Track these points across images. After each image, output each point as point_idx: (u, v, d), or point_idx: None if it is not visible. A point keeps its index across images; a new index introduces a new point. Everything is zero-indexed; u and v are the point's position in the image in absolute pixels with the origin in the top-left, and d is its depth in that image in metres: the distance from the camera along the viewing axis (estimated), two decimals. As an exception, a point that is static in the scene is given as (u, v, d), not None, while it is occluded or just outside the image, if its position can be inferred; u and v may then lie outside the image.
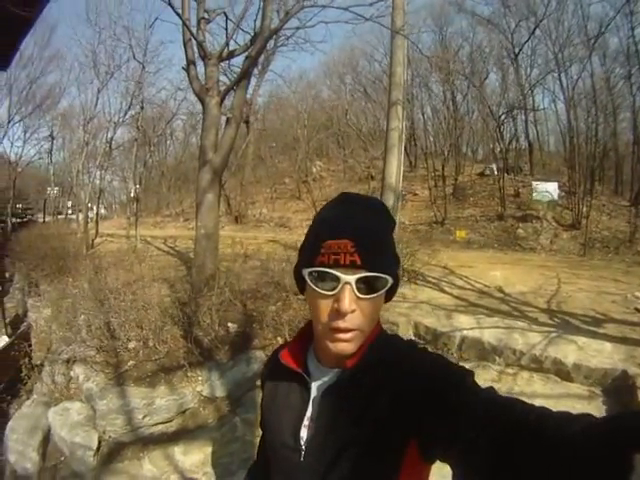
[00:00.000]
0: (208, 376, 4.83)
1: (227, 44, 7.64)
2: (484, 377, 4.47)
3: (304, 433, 0.79)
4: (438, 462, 0.68)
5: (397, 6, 8.19)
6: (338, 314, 0.71)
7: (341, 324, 0.71)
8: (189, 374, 4.83)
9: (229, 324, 5.59)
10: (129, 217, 16.07)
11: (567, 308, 5.99)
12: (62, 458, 4.24)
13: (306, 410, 0.81)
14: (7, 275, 11.76)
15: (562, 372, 4.45)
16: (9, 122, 19.67)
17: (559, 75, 19.61)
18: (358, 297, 0.71)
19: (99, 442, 4.15)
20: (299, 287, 0.84)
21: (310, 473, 0.76)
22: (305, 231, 0.86)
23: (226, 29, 7.84)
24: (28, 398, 5.22)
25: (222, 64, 7.88)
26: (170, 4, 6.55)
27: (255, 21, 7.84)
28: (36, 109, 21.16)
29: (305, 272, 0.75)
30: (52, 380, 5.22)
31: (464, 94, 22.02)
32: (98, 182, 18.29)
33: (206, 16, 7.45)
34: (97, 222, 17.68)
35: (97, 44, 16.32)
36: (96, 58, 16.43)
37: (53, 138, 23.50)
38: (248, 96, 19.63)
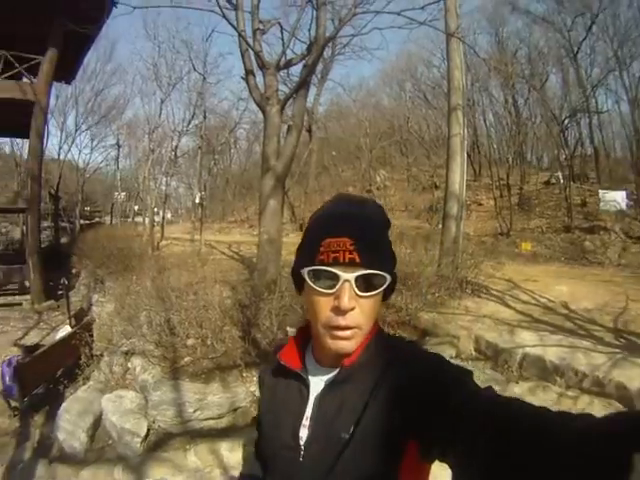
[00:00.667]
0: (264, 378, 5.12)
1: (284, 53, 8.34)
2: (542, 398, 4.42)
3: (303, 433, 0.84)
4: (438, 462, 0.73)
5: (449, 9, 8.54)
6: (338, 312, 0.77)
7: (341, 322, 0.77)
8: (244, 374, 5.14)
9: (288, 328, 5.83)
10: (193, 222, 17.57)
11: (635, 328, 5.90)
12: (110, 442, 4.68)
13: (305, 410, 0.85)
14: (74, 271, 13.30)
15: (625, 398, 4.28)
16: (76, 131, 23.07)
17: (620, 74, 19.22)
18: (357, 295, 0.76)
19: (148, 430, 4.52)
20: (297, 287, 0.90)
21: (309, 473, 0.81)
22: None
23: (282, 39, 8.66)
24: (84, 384, 5.83)
25: (281, 73, 8.61)
26: (225, 17, 7.31)
27: (309, 30, 8.56)
28: (102, 119, 24.42)
29: (304, 271, 0.80)
30: (110, 370, 5.81)
31: (525, 98, 22.11)
32: (164, 188, 20.39)
33: (261, 27, 8.17)
34: (163, 225, 19.50)
35: (157, 57, 18.82)
36: (157, 71, 18.85)
37: (119, 146, 26.63)
38: (309, 105, 20.71)
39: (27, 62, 10.51)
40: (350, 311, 0.76)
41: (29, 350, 6.56)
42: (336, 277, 0.76)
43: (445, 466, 0.67)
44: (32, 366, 5.73)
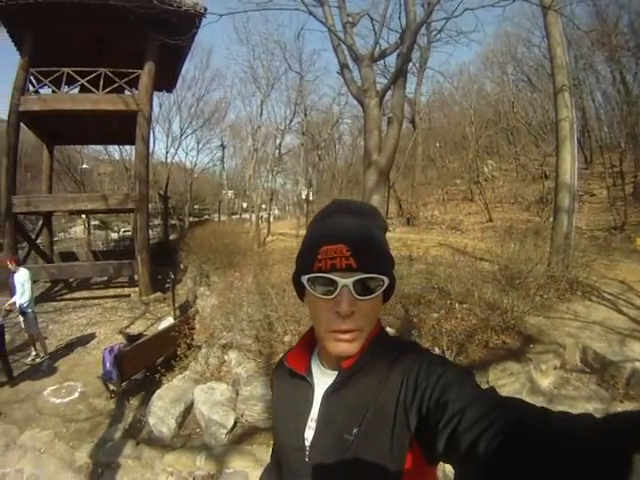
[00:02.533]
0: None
1: (376, 44, 8.51)
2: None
3: (309, 434, 0.93)
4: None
5: (542, -20, 8.02)
6: (338, 316, 0.84)
7: (342, 326, 0.85)
8: None
9: (388, 328, 5.93)
10: (298, 217, 18.54)
11: None
12: (197, 430, 5.11)
13: (310, 411, 0.95)
14: (181, 266, 14.63)
15: None
16: (181, 135, 25.82)
17: None
18: (356, 299, 0.84)
19: (235, 423, 4.86)
20: (299, 294, 0.99)
21: (315, 473, 0.90)
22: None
23: (374, 29, 8.80)
24: (180, 374, 6.40)
25: (380, 65, 8.79)
26: (312, 13, 7.71)
27: (399, 18, 8.71)
28: (205, 123, 27.22)
29: (304, 279, 0.89)
30: (206, 361, 6.35)
31: (633, 73, 21.21)
32: (270, 185, 21.99)
33: (350, 20, 8.46)
34: (269, 222, 21.04)
35: (253, 60, 21.16)
36: (254, 73, 21.02)
37: (224, 147, 29.68)
38: (410, 95, 21.18)
39: (127, 76, 12.36)
40: (350, 315, 0.84)
41: (131, 339, 7.30)
42: (334, 283, 0.84)
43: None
44: (132, 354, 6.38)
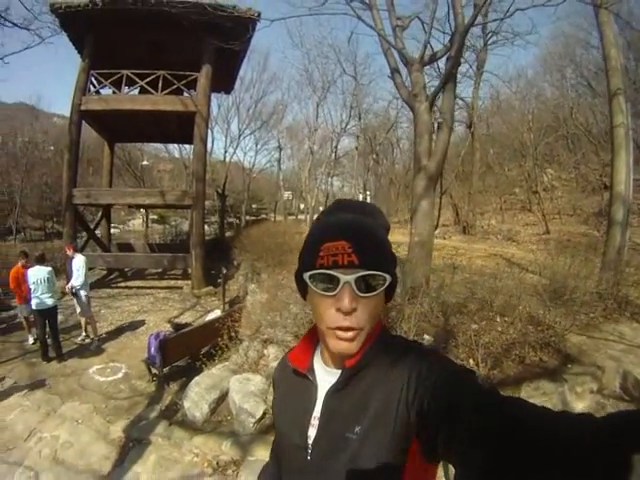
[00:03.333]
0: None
1: (425, 47, 8.46)
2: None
3: (311, 432, 0.95)
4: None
5: (594, -25, 7.68)
6: (340, 313, 0.85)
7: (343, 323, 0.86)
8: None
9: (425, 336, 6.05)
10: None
11: None
12: (228, 417, 5.28)
13: (313, 409, 0.96)
14: (235, 263, 15.04)
15: None
16: (240, 136, 26.81)
17: None
18: (358, 296, 0.85)
19: (263, 413, 4.96)
20: (301, 292, 1.00)
21: (316, 471, 0.92)
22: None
23: (425, 32, 8.80)
24: (220, 363, 6.61)
25: (434, 69, 8.76)
26: (360, 18, 7.78)
27: (448, 21, 8.60)
28: (263, 124, 27.97)
29: (306, 275, 0.90)
30: (245, 354, 6.52)
31: None
32: (326, 187, 22.33)
33: (399, 23, 8.45)
34: None
35: (308, 63, 21.15)
36: (310, 76, 21.89)
37: (280, 149, 30.18)
38: (468, 100, 20.98)
39: (185, 79, 13.01)
40: (352, 312, 0.85)
41: (177, 327, 7.58)
42: (336, 279, 0.85)
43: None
44: (176, 341, 6.64)
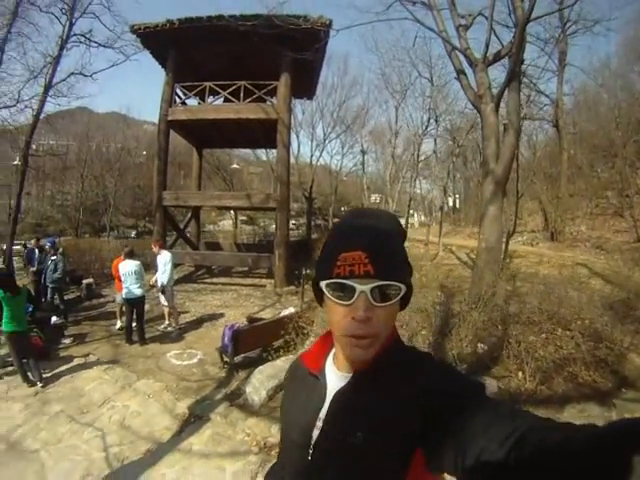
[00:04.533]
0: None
1: (487, 46, 8.16)
2: None
3: (315, 433, 0.97)
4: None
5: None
6: (355, 322, 0.88)
7: (358, 331, 0.88)
8: None
9: (480, 344, 6.03)
10: (428, 225, 18.30)
11: None
12: None
13: (320, 411, 0.99)
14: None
15: None
16: (325, 140, 27.26)
17: None
18: (373, 305, 0.88)
19: None
20: (317, 299, 1.02)
21: (316, 473, 0.95)
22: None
23: (492, 29, 8.33)
24: (285, 355, 6.94)
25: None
26: (419, 21, 7.77)
27: (510, 15, 8.20)
28: (348, 128, 28.34)
29: (323, 284, 0.94)
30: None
31: None
32: (412, 191, 22.21)
33: (462, 22, 8.22)
34: (406, 227, 20.97)
35: (384, 67, 21.06)
36: (387, 79, 22.00)
37: (364, 153, 30.59)
38: (553, 96, 19.84)
39: (265, 87, 13.66)
40: (367, 321, 0.88)
41: (252, 321, 8.01)
42: (352, 289, 0.88)
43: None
44: (249, 333, 7.07)
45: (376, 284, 0.87)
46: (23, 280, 9.95)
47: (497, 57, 8.49)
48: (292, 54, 10.76)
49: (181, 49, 13.60)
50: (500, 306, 6.65)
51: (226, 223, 37.10)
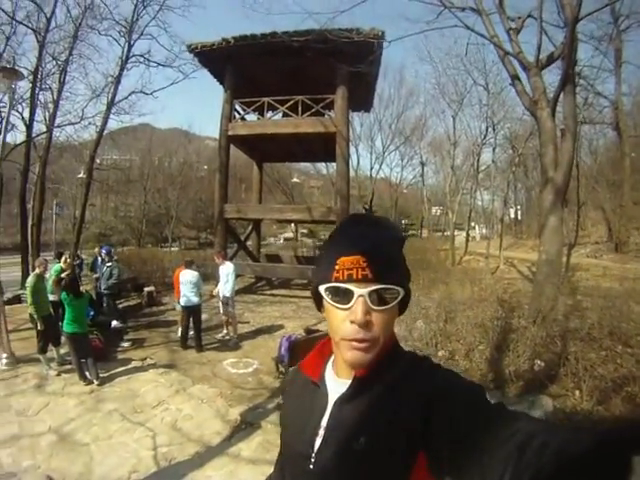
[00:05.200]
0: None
1: (539, 48, 7.87)
2: None
3: (317, 442, 0.96)
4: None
5: None
6: (354, 326, 0.88)
7: (357, 335, 0.88)
8: None
9: (537, 360, 5.81)
10: (487, 238, 17.69)
11: None
12: None
13: (321, 419, 0.98)
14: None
15: None
16: (384, 152, 27.43)
17: None
18: (372, 309, 0.88)
19: None
20: (317, 304, 1.03)
21: None
22: None
23: (543, 32, 8.18)
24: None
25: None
26: (469, 28, 7.62)
27: (559, 13, 7.88)
28: (407, 140, 28.36)
29: (321, 288, 0.95)
30: None
31: None
32: (471, 202, 21.83)
33: (513, 25, 7.93)
34: (467, 240, 21.09)
35: (439, 76, 21.66)
36: (443, 89, 21.56)
37: (423, 164, 30.45)
38: (611, 97, 18.66)
39: (323, 101, 13.82)
40: (365, 325, 0.88)
41: (309, 332, 7.95)
42: (351, 293, 0.89)
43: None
44: (305, 344, 7.01)
45: (374, 288, 0.88)
46: (87, 286, 10.35)
47: (550, 59, 8.19)
48: (347, 67, 10.83)
49: (238, 66, 14.04)
50: (559, 321, 6.39)
51: (287, 236, 37.73)
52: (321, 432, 0.96)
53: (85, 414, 5.40)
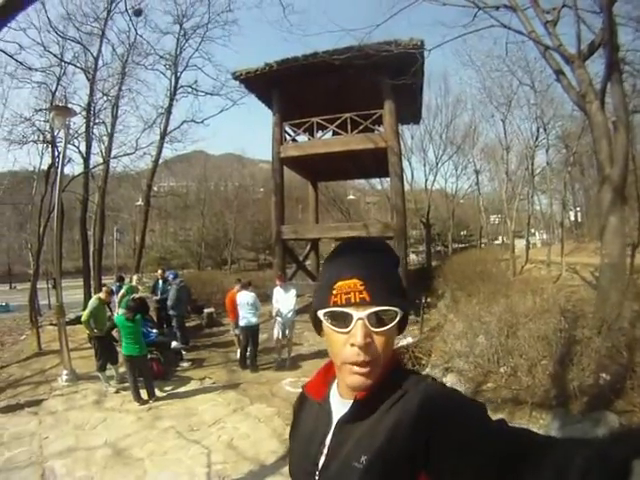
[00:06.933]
0: (549, 423, 4.97)
1: (579, 38, 7.63)
2: None
3: (321, 460, 0.99)
4: None
5: None
6: (354, 349, 0.90)
7: (357, 358, 0.90)
8: (533, 413, 5.15)
9: (602, 374, 5.53)
10: (549, 244, 16.78)
11: None
12: None
13: (326, 438, 1.00)
14: (440, 292, 15.10)
15: None
16: (437, 163, 26.85)
17: None
18: (371, 331, 0.90)
19: None
20: (316, 329, 1.04)
21: None
22: None
23: (579, 21, 7.90)
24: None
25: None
26: (505, 26, 7.58)
27: None
28: (459, 148, 27.78)
29: (320, 313, 0.96)
30: None
31: None
32: (529, 207, 21.45)
33: (549, 17, 7.62)
34: (527, 248, 20.34)
35: (483, 80, 20.48)
36: (488, 92, 20.59)
37: (477, 172, 29.62)
38: None
39: (371, 117, 13.84)
40: (365, 347, 0.90)
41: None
42: (349, 316, 0.91)
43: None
44: None
45: (372, 310, 0.90)
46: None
47: (592, 48, 7.79)
48: (390, 80, 10.84)
49: (283, 89, 14.44)
50: (625, 329, 6.02)
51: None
52: (325, 450, 0.98)
53: (141, 430, 5.66)
